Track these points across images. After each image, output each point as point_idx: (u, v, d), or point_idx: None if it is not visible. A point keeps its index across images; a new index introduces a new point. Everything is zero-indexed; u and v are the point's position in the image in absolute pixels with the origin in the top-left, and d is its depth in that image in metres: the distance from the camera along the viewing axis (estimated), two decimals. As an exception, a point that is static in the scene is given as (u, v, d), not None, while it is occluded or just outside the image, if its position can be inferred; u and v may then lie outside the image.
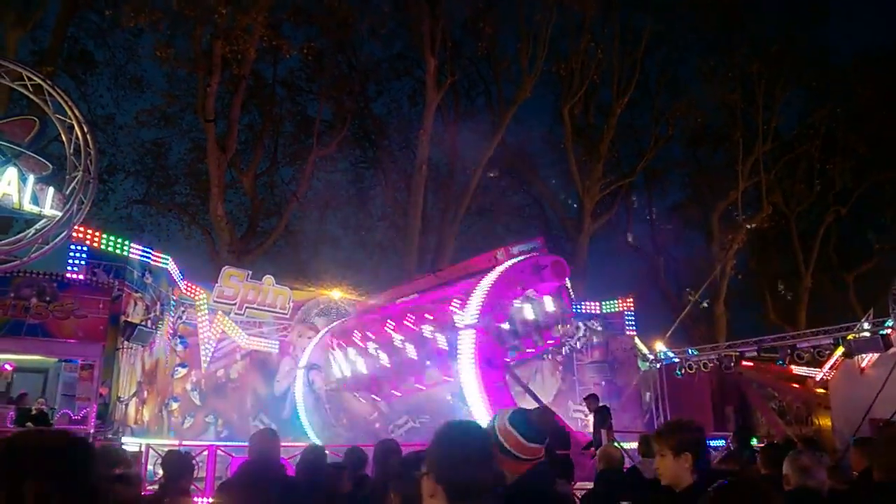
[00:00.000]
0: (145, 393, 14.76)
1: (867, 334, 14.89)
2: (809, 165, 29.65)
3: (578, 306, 19.63)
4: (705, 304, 27.19)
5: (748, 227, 27.22)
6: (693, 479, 3.09)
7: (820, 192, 29.69)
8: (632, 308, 19.57)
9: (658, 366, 18.54)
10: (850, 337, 15.20)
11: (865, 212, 31.38)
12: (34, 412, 12.40)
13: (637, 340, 19.43)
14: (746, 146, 27.18)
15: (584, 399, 12.80)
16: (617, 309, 19.67)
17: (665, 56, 29.77)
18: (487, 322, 12.85)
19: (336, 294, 19.43)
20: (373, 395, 17.90)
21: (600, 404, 12.63)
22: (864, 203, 30.87)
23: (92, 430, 11.91)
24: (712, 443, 15.47)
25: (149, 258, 14.80)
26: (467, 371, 12.45)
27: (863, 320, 15.48)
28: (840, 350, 15.61)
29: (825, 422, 18.26)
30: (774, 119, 28.16)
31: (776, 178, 28.83)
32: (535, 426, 2.83)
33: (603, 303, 19.74)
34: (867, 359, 15.79)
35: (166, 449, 11.57)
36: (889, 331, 14.27)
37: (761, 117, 27.13)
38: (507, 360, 14.70)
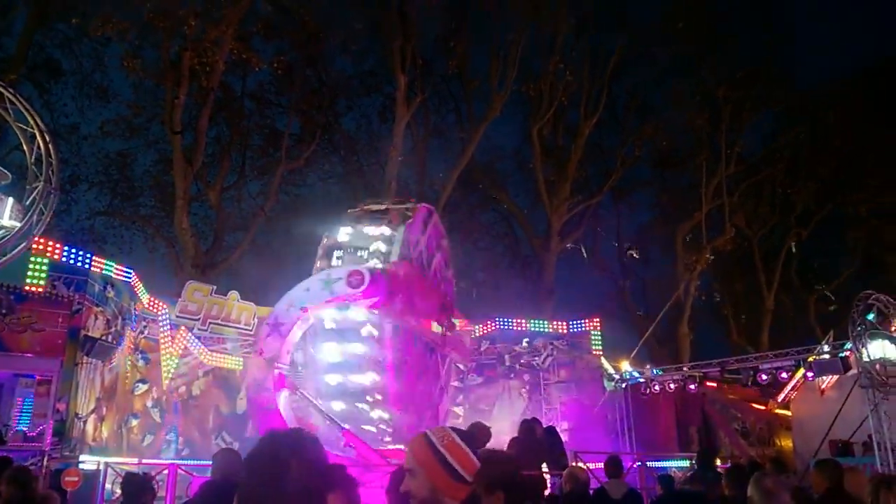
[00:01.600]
0: (104, 409, 14.39)
1: (827, 356, 15.16)
2: (772, 189, 30.28)
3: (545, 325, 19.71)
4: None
5: (711, 249, 27.59)
6: None
7: (781, 214, 30.30)
8: (598, 328, 19.66)
9: (624, 385, 18.62)
10: (810, 359, 15.46)
11: (827, 234, 32.08)
12: (-13, 429, 12.06)
13: (603, 360, 19.50)
14: (710, 169, 27.64)
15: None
16: (583, 328, 19.75)
17: (633, 80, 30.27)
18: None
19: (302, 310, 19.16)
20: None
21: (546, 426, 12.52)
22: (825, 226, 31.56)
23: (48, 448, 11.58)
24: (676, 463, 15.56)
25: (110, 272, 14.49)
26: None
27: (823, 343, 15.75)
28: (801, 372, 15.88)
29: (786, 442, 18.53)
30: (739, 143, 28.71)
31: (739, 201, 29.36)
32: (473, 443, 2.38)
33: (569, 322, 19.81)
34: (827, 380, 16.08)
35: (125, 467, 11.28)
36: (848, 353, 14.53)
37: (724, 141, 27.62)
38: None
